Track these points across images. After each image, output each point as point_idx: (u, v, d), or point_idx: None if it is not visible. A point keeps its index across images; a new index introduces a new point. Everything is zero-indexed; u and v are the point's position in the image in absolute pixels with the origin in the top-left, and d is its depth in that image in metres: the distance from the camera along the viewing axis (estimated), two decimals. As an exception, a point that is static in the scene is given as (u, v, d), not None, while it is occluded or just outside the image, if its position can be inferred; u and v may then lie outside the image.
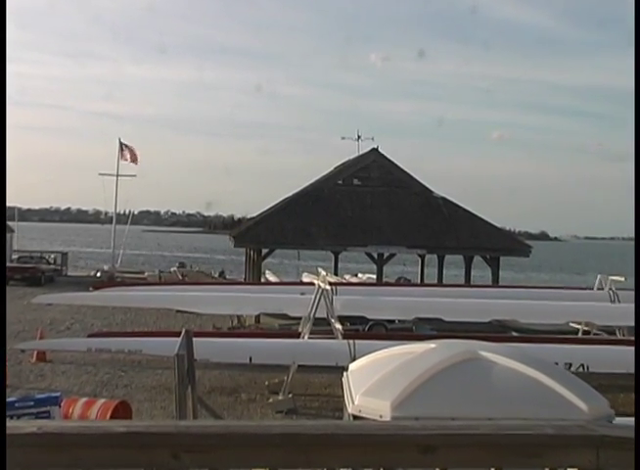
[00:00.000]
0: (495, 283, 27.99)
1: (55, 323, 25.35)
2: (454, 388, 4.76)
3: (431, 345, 5.52)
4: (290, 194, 31.58)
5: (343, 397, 5.34)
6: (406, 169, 31.13)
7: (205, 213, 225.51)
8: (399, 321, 21.94)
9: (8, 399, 10.38)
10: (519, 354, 5.28)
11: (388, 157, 31.16)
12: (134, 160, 47.98)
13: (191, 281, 34.23)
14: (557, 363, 7.83)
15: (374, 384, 4.89)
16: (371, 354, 5.66)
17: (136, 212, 77.16)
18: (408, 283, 32.52)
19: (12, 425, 2.12)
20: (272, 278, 33.79)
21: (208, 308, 19.29)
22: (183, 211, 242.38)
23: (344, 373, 5.66)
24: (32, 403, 10.27)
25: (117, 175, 48.28)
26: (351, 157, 33.67)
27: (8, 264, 41.65)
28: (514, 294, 20.37)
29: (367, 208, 29.25)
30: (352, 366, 5.67)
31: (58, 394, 11.38)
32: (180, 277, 41.93)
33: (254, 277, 29.32)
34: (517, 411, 4.41)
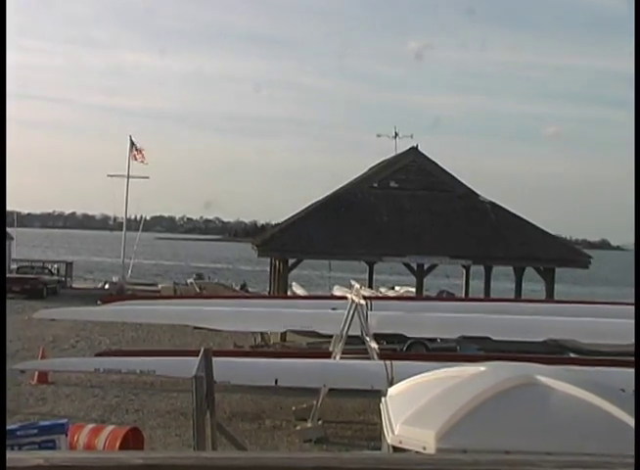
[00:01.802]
0: (550, 297, 27.76)
1: (58, 341, 25.57)
2: (507, 417, 4.71)
3: (480, 367, 5.47)
4: (319, 198, 31.61)
5: (381, 425, 5.31)
6: (449, 170, 31.04)
7: (225, 219, 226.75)
8: (442, 340, 21.84)
9: (8, 427, 10.44)
10: (580, 379, 5.21)
11: (429, 156, 31.08)
12: (139, 159, 48.42)
13: (209, 294, 34.33)
14: (623, 390, 7.70)
15: (416, 411, 4.85)
16: (412, 378, 5.63)
17: (148, 218, 78.07)
18: (452, 297, 32.33)
19: (14, 456, 2.08)
20: (300, 291, 33.80)
21: (229, 325, 19.32)
22: (200, 217, 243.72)
23: (382, 398, 5.63)
24: (36, 431, 10.28)
25: (128, 176, 48.76)
26: (388, 156, 33.65)
27: (7, 275, 42.16)
28: (571, 310, 20.13)
29: (405, 213, 29.17)
30: (392, 391, 5.64)
31: (64, 420, 11.42)
32: (197, 290, 42.09)
33: (280, 290, 29.34)
34: (580, 445, 4.34)
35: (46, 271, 45.94)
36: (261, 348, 23.57)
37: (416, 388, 5.39)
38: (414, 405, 4.93)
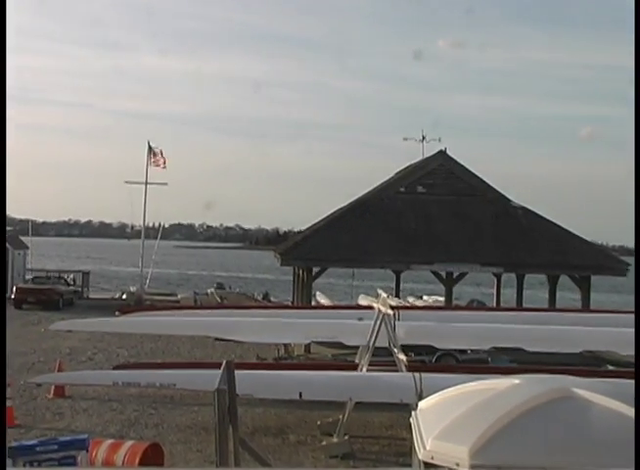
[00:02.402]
0: (586, 307, 27.56)
1: (75, 353, 25.74)
2: (543, 432, 4.69)
3: (513, 380, 5.46)
4: (344, 204, 31.62)
5: (411, 440, 5.31)
6: (479, 174, 30.94)
7: (246, 226, 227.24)
8: (472, 351, 21.80)
9: (27, 443, 10.53)
10: (618, 392, 5.18)
11: (458, 160, 31.01)
12: (161, 165, 48.63)
13: (231, 304, 34.45)
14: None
15: (448, 426, 4.85)
16: (443, 391, 5.63)
17: (167, 225, 78.18)
18: (482, 307, 32.25)
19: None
20: (324, 301, 33.87)
21: (251, 336, 19.35)
22: (220, 224, 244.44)
23: (412, 412, 5.63)
24: (56, 447, 10.34)
25: (146, 183, 48.95)
26: (415, 160, 33.61)
27: (21, 286, 42.49)
28: (609, 320, 19.99)
29: (433, 219, 29.11)
30: (422, 404, 5.64)
31: (85, 436, 11.47)
32: (218, 300, 42.28)
33: (304, 300, 29.37)
34: (620, 461, 4.32)
35: (62, 281, 46.16)
36: (285, 360, 23.62)
37: (448, 401, 5.39)
38: (446, 420, 4.93)
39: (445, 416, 4.97)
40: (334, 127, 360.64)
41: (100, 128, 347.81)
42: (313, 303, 30.76)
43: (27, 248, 51.78)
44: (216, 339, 24.09)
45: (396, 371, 16.00)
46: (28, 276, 48.30)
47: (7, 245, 45.35)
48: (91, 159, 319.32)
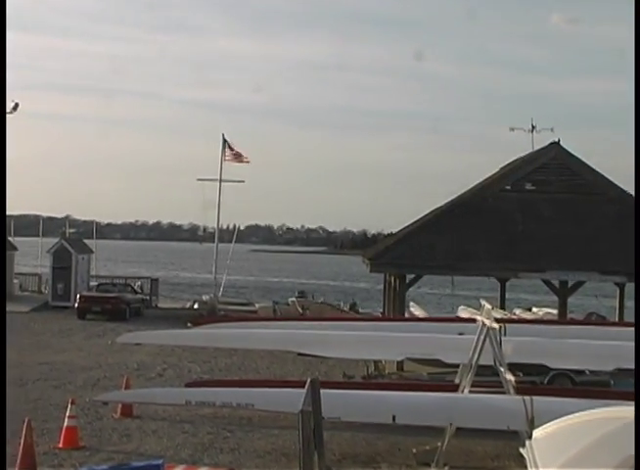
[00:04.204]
0: None
1: (143, 368, 26.15)
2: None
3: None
4: (441, 203, 31.42)
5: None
6: (598, 169, 30.40)
7: (330, 228, 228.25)
8: (591, 372, 21.42)
9: (98, 468, 10.70)
10: None
11: (574, 153, 30.51)
12: (239, 160, 49.09)
13: (314, 316, 34.57)
14: None
15: (570, 460, 4.73)
16: (563, 418, 5.52)
17: (242, 227, 79.13)
18: (603, 321, 31.67)
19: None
20: (419, 312, 33.71)
21: (337, 351, 19.36)
22: (302, 226, 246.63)
23: (526, 442, 5.53)
24: None
25: (220, 180, 49.51)
26: (523, 154, 33.23)
27: (85, 294, 43.41)
28: None
29: (545, 220, 28.70)
30: (538, 434, 5.53)
31: (159, 461, 11.57)
32: (300, 310, 42.48)
33: (396, 311, 29.27)
34: None
35: (129, 289, 47.03)
36: (375, 378, 23.55)
37: (567, 431, 5.26)
38: (567, 453, 4.81)
39: (566, 449, 4.85)
40: (428, 117, 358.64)
41: (169, 120, 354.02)
42: (407, 314, 30.64)
43: (92, 252, 52.82)
44: (299, 354, 24.19)
45: (503, 393, 15.81)
46: (93, 283, 49.34)
47: (70, 249, 46.57)
48: (159, 154, 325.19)
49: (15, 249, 52.29)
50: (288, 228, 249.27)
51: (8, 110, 47.11)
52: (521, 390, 15.74)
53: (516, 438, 13.97)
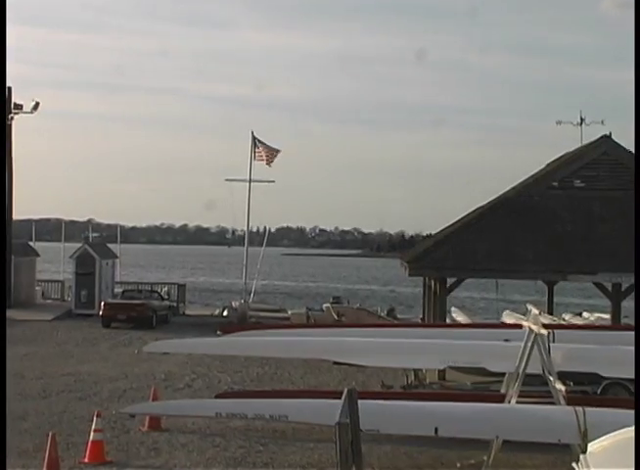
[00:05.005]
0: None
1: (171, 379, 26.23)
2: None
3: None
4: (484, 202, 31.27)
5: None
6: (652, 164, 30.16)
7: (365, 230, 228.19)
8: (648, 381, 21.23)
9: None
10: None
11: (627, 147, 30.27)
12: (270, 160, 49.12)
13: (350, 322, 34.52)
14: None
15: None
16: (619, 431, 5.44)
17: (273, 230, 79.30)
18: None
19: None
20: (461, 318, 33.53)
21: (375, 360, 19.33)
22: (336, 228, 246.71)
23: (581, 457, 5.46)
24: None
25: (250, 181, 49.64)
26: (571, 149, 33.01)
27: (110, 301, 43.64)
28: None
29: (595, 219, 28.50)
30: (593, 448, 5.46)
31: None
32: (335, 317, 42.45)
33: (437, 317, 29.17)
34: None
35: (155, 295, 47.13)
36: (416, 388, 23.47)
37: (625, 445, 5.18)
38: (624, 468, 4.74)
39: (623, 464, 4.77)
40: (469, 112, 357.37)
41: (195, 117, 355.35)
42: (448, 320, 30.50)
43: (116, 257, 53.09)
44: (334, 363, 24.15)
45: (553, 404, 15.74)
46: (117, 289, 49.57)
47: (94, 254, 46.86)
48: (185, 153, 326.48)
49: (37, 254, 52.70)
50: (321, 230, 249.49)
51: (28, 109, 47.77)
52: (572, 400, 15.64)
53: (567, 451, 13.88)
